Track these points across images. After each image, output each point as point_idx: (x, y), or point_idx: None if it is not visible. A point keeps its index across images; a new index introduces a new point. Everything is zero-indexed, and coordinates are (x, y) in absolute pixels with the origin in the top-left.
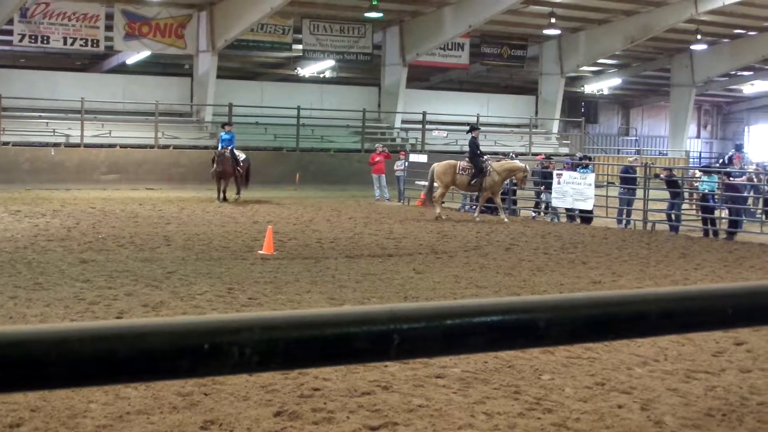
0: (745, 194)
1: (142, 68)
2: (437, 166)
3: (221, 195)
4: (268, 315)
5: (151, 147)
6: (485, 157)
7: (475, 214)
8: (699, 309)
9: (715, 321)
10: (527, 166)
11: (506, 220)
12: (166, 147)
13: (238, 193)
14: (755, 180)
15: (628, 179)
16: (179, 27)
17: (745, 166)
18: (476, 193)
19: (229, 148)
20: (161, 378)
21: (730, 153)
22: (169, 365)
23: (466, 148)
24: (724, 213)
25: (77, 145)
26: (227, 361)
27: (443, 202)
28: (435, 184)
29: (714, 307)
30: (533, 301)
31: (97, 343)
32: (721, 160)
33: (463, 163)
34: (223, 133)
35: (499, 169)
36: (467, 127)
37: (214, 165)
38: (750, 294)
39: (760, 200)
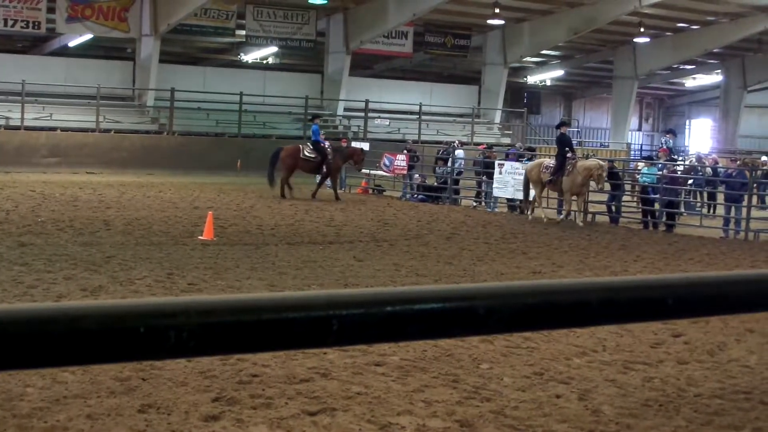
0: (684, 186)
1: (84, 51)
2: (528, 165)
3: (284, 189)
4: (205, 299)
5: (93, 131)
6: (572, 155)
7: (561, 216)
8: (639, 299)
9: (654, 311)
10: (603, 164)
11: (580, 224)
12: (108, 131)
13: (335, 190)
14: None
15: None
16: (122, 10)
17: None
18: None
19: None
20: (97, 361)
21: (664, 140)
22: (104, 348)
23: (408, 137)
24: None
25: (17, 128)
26: (163, 344)
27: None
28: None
29: (654, 297)
30: (473, 289)
31: (31, 325)
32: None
33: (549, 161)
34: (314, 126)
35: (580, 168)
36: (410, 116)
37: (324, 160)
38: (690, 285)
39: (704, 193)
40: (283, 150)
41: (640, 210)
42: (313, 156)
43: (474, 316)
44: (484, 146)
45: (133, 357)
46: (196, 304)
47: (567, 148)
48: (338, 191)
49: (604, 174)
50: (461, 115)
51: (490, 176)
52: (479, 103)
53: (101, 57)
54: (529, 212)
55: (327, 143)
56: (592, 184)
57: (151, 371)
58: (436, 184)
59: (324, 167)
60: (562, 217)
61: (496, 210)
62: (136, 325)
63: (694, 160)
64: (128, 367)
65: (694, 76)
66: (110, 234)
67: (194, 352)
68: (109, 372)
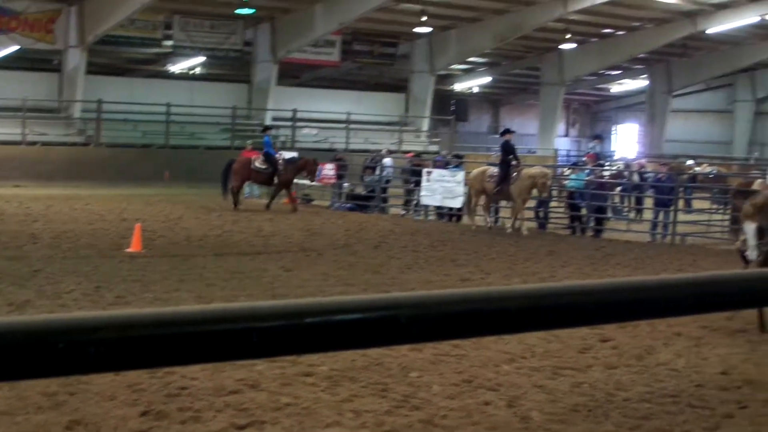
0: (612, 192)
1: (10, 63)
2: (472, 174)
3: (237, 199)
4: (125, 314)
5: (19, 143)
6: (516, 162)
7: (523, 228)
8: (563, 305)
9: (579, 317)
10: (547, 172)
11: (509, 230)
12: (34, 144)
13: (270, 202)
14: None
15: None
16: (48, 22)
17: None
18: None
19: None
20: (16, 378)
21: (591, 146)
22: (24, 365)
23: (336, 146)
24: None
25: None
26: (84, 360)
27: (500, 215)
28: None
29: (578, 302)
30: (394, 298)
31: None
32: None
33: (493, 169)
34: (266, 137)
35: (525, 176)
36: (338, 125)
37: (276, 171)
38: (615, 290)
39: (631, 198)
40: (235, 161)
41: (567, 216)
42: (264, 167)
43: (396, 325)
44: (412, 154)
45: (54, 373)
46: (115, 319)
47: (511, 156)
48: (272, 202)
49: (549, 182)
50: (389, 124)
51: (419, 184)
52: (407, 111)
53: (27, 69)
54: (489, 219)
55: (279, 154)
56: (534, 191)
57: (79, 386)
58: (364, 192)
59: (275, 178)
60: (517, 225)
61: (430, 218)
62: (55, 341)
63: (621, 165)
64: (55, 382)
65: (620, 81)
66: (37, 247)
67: (115, 366)
68: (36, 387)
